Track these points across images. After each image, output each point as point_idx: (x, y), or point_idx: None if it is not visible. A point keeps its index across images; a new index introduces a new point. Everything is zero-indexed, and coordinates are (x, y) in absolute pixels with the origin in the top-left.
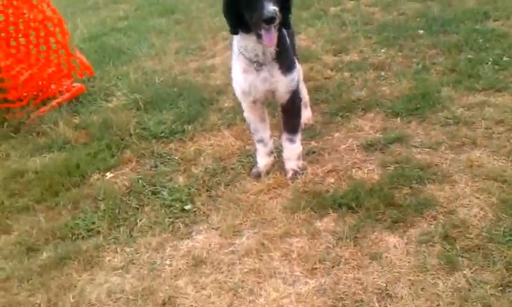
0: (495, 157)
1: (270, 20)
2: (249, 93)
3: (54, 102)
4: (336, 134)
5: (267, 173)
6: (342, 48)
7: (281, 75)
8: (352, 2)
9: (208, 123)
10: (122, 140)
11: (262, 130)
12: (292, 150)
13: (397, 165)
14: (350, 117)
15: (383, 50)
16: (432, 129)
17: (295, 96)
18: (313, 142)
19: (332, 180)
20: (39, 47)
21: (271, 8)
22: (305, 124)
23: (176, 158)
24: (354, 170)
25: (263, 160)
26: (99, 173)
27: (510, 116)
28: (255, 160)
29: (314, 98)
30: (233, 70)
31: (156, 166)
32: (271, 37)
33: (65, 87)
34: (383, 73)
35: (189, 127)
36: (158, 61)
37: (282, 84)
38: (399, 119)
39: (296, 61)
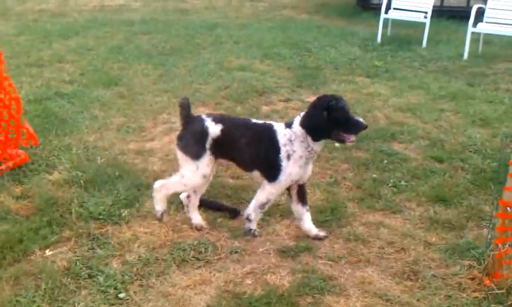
0: (383, 276)
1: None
2: (301, 177)
3: None
4: (257, 237)
5: None
6: None
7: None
8: None
9: (143, 210)
10: (62, 217)
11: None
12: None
13: (305, 274)
14: (269, 221)
15: None
16: (336, 243)
17: None
18: (236, 243)
19: (249, 282)
20: None
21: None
22: None
23: (112, 242)
24: (269, 275)
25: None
26: (40, 249)
27: (399, 239)
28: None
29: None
30: (289, 164)
31: (93, 249)
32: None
33: (9, 155)
34: None
35: (126, 212)
36: (100, 136)
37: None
38: None
39: None
